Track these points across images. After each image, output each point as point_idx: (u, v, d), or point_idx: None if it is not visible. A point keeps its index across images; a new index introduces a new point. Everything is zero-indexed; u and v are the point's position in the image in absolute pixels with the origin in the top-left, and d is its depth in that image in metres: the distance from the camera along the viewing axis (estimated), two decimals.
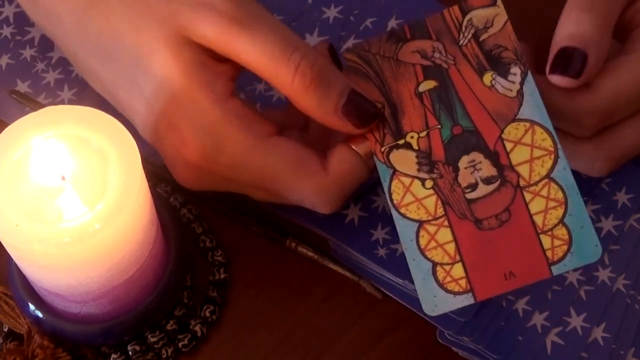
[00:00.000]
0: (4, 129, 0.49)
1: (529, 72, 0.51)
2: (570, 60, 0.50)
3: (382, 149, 0.52)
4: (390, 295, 0.56)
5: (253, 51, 0.49)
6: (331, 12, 0.64)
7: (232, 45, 0.50)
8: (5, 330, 0.55)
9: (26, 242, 0.46)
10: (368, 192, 0.58)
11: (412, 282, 0.55)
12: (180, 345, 0.55)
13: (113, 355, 0.54)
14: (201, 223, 0.58)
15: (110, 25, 0.51)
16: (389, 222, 0.57)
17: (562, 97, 0.51)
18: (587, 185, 0.54)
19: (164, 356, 0.54)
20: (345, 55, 0.54)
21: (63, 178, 0.48)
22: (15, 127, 0.48)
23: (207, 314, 0.55)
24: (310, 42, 0.63)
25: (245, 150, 0.50)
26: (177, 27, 0.50)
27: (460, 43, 0.53)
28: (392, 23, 0.64)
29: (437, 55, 0.53)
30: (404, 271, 0.56)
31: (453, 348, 0.55)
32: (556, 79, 0.51)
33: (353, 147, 0.52)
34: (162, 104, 0.50)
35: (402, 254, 0.56)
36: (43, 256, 0.47)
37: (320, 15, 0.64)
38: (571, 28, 0.50)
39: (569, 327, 0.55)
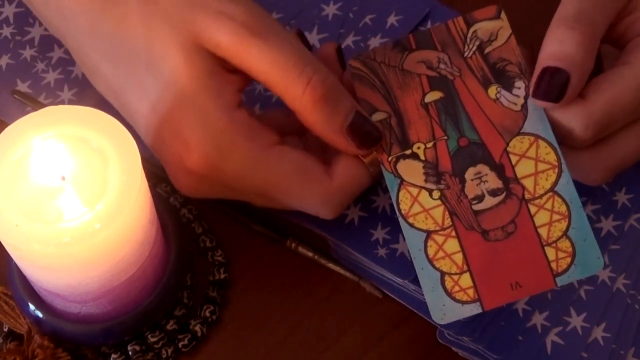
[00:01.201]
0: (4, 129, 0.48)
1: None
2: (552, 83, 0.50)
3: (390, 159, 0.52)
4: (390, 295, 0.56)
5: (266, 62, 0.50)
6: (330, 9, 0.64)
7: (245, 54, 0.50)
8: (5, 330, 0.55)
9: (26, 242, 0.46)
10: (368, 192, 0.58)
11: (412, 282, 0.55)
12: (180, 345, 0.55)
13: (113, 355, 0.54)
14: (201, 223, 0.58)
15: (124, 27, 0.51)
16: (389, 222, 0.57)
17: (557, 109, 0.51)
18: (587, 186, 0.54)
19: (164, 356, 0.54)
20: (350, 64, 0.54)
21: (63, 178, 0.48)
22: (15, 127, 0.48)
23: (207, 314, 0.55)
24: (309, 40, 0.63)
25: (250, 160, 0.51)
26: (192, 33, 0.50)
27: (465, 55, 0.53)
28: (392, 19, 0.64)
29: (442, 66, 0.53)
30: (404, 271, 0.56)
31: (453, 348, 0.55)
32: (539, 103, 0.51)
33: (359, 155, 0.52)
34: (168, 108, 0.50)
35: (402, 253, 0.56)
36: (43, 256, 0.47)
37: (319, 13, 0.64)
38: (554, 47, 0.50)
39: (569, 327, 0.55)
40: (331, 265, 0.57)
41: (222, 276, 0.57)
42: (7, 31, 0.64)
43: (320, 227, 0.58)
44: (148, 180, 0.50)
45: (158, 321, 0.54)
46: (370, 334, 0.56)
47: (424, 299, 0.55)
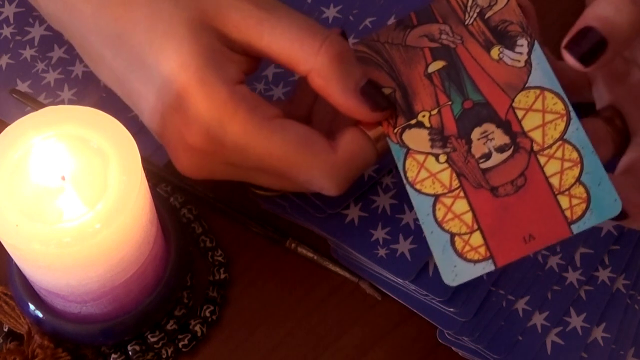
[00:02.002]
0: (4, 129, 0.49)
1: (536, 42, 0.51)
2: (590, 45, 0.48)
3: (395, 130, 0.52)
4: (390, 295, 0.56)
5: (278, 30, 0.50)
6: (330, 12, 0.64)
7: (256, 27, 0.50)
8: (5, 330, 0.55)
9: (26, 242, 0.46)
10: (368, 192, 0.58)
11: (412, 282, 0.55)
12: (180, 345, 0.55)
13: (113, 355, 0.54)
14: (201, 223, 0.58)
15: (128, 10, 0.51)
16: (389, 222, 0.57)
17: None
18: None
19: (164, 356, 0.54)
20: (355, 47, 0.54)
21: (63, 178, 0.48)
22: (15, 127, 0.49)
23: (207, 314, 0.55)
24: None
25: (252, 130, 0.50)
26: (201, 11, 0.50)
27: (466, 23, 0.53)
28: (392, 22, 0.64)
29: (444, 36, 0.53)
30: (404, 271, 0.56)
31: (453, 348, 0.55)
32: (568, 57, 0.49)
33: (364, 129, 0.52)
34: (171, 88, 0.50)
35: (402, 254, 0.56)
36: (43, 256, 0.47)
37: (319, 15, 0.64)
38: (609, 11, 0.48)
39: (569, 327, 0.55)
40: (331, 266, 0.57)
41: (222, 276, 0.57)
42: (7, 31, 0.64)
43: (320, 227, 0.58)
44: (148, 180, 0.50)
45: (158, 321, 0.54)
46: (370, 334, 0.56)
47: (425, 299, 0.55)
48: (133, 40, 0.51)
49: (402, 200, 0.58)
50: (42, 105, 0.60)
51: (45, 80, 0.62)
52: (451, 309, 0.55)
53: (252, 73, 0.53)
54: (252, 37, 0.51)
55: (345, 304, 0.57)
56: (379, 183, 0.59)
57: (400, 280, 0.56)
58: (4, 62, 0.63)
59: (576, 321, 0.55)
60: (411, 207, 0.58)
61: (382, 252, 0.57)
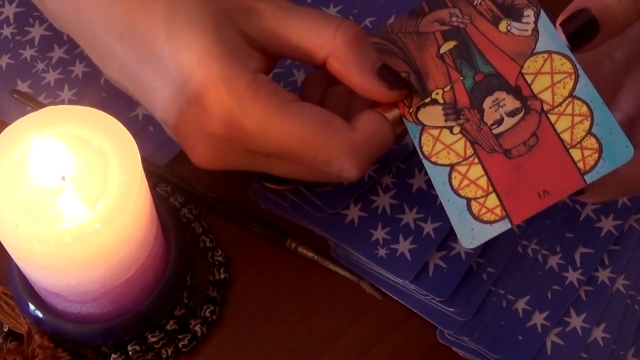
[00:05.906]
0: (4, 129, 0.49)
1: (542, 10, 0.52)
2: (581, 23, 0.48)
3: (410, 110, 0.53)
4: (390, 295, 0.56)
5: (295, 22, 0.52)
6: (330, 12, 0.64)
7: (273, 24, 0.52)
8: (5, 330, 0.55)
9: (26, 242, 0.46)
10: (368, 192, 0.58)
11: (412, 282, 0.55)
12: (180, 345, 0.55)
13: (113, 355, 0.54)
14: (201, 223, 0.58)
15: (142, 4, 0.51)
16: (389, 222, 0.57)
17: None
18: None
19: (164, 356, 0.54)
20: (370, 39, 0.55)
21: (63, 178, 0.48)
22: (16, 127, 0.49)
23: (207, 314, 0.55)
24: None
25: (273, 112, 0.50)
26: (223, 9, 0.51)
27: (474, 4, 0.54)
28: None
29: (454, 19, 0.54)
30: (404, 271, 0.56)
31: (453, 348, 0.55)
32: (561, 35, 0.49)
33: (380, 111, 0.53)
34: (191, 78, 0.50)
35: (402, 254, 0.56)
36: (43, 256, 0.47)
37: None
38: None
39: (569, 327, 0.55)
40: (331, 266, 0.57)
41: (222, 276, 0.57)
42: (7, 31, 0.64)
43: (320, 227, 0.58)
44: (148, 180, 0.50)
45: (158, 321, 0.54)
46: (370, 334, 0.56)
47: (425, 299, 0.56)
48: (147, 32, 0.51)
49: (402, 200, 0.58)
50: (42, 105, 0.60)
51: (45, 80, 0.62)
52: (451, 309, 0.55)
53: (268, 74, 0.53)
54: (271, 34, 0.52)
55: (345, 304, 0.57)
56: (379, 183, 0.59)
57: (400, 280, 0.56)
58: (4, 62, 0.63)
59: (576, 321, 0.55)
60: (411, 207, 0.58)
61: (382, 252, 0.57)
